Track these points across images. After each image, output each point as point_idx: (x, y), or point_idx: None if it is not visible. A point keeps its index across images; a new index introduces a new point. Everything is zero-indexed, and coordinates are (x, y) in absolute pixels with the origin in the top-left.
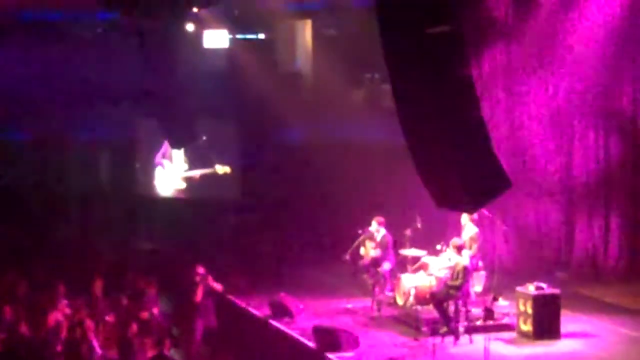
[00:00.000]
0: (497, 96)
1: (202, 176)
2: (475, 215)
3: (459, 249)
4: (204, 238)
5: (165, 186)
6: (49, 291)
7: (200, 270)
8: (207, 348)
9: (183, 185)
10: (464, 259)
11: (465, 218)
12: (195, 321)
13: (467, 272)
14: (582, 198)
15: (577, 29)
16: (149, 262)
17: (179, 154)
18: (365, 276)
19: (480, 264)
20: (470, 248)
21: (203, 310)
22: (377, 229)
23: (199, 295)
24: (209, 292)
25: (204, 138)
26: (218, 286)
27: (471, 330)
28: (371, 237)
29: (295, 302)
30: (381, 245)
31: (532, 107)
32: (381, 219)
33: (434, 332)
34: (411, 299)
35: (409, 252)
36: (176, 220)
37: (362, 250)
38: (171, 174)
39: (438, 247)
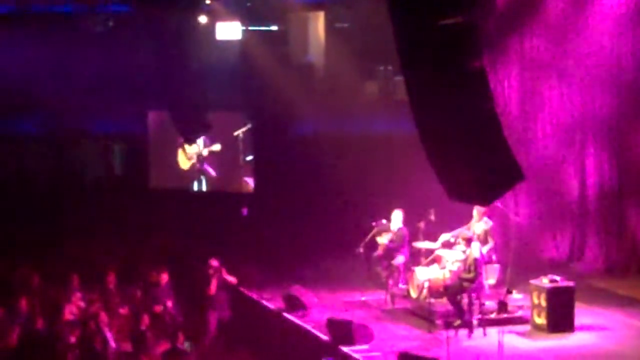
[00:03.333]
0: (510, 90)
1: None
2: (484, 209)
3: (468, 241)
4: (217, 231)
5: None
6: (62, 284)
7: (214, 263)
8: (221, 341)
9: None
10: (474, 251)
11: (478, 211)
12: (209, 314)
13: (478, 264)
14: (595, 193)
15: (589, 28)
16: (162, 255)
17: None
18: (379, 269)
19: (494, 257)
20: (486, 242)
21: (217, 303)
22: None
23: (213, 288)
24: (223, 284)
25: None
26: (232, 279)
27: (485, 323)
28: (385, 230)
29: (309, 295)
30: (397, 236)
31: (546, 103)
32: (399, 212)
33: (447, 325)
34: (425, 291)
35: (423, 245)
36: (189, 212)
37: (379, 240)
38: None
39: (452, 239)
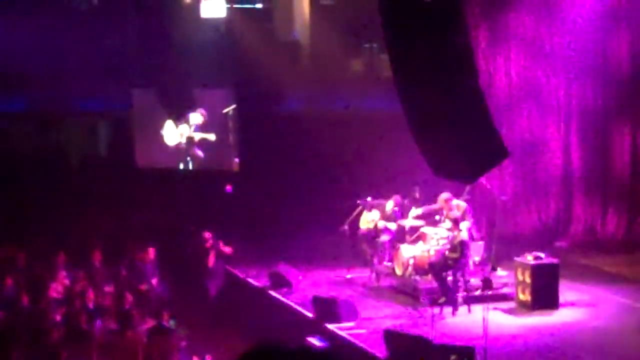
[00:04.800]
0: (495, 68)
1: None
2: (449, 196)
3: (456, 222)
4: (203, 209)
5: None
6: (48, 262)
7: (208, 235)
8: (206, 318)
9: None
10: (463, 233)
11: (443, 200)
12: (208, 284)
13: (465, 246)
14: (580, 172)
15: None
16: (148, 233)
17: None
18: (364, 246)
19: (475, 234)
20: (463, 220)
21: (215, 273)
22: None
23: (212, 260)
24: (219, 255)
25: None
26: (228, 249)
27: (470, 300)
28: (370, 209)
29: (294, 273)
30: (390, 218)
31: (532, 83)
32: (398, 197)
33: (432, 302)
34: (410, 269)
35: (408, 222)
36: (175, 190)
37: (368, 218)
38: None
39: (437, 217)
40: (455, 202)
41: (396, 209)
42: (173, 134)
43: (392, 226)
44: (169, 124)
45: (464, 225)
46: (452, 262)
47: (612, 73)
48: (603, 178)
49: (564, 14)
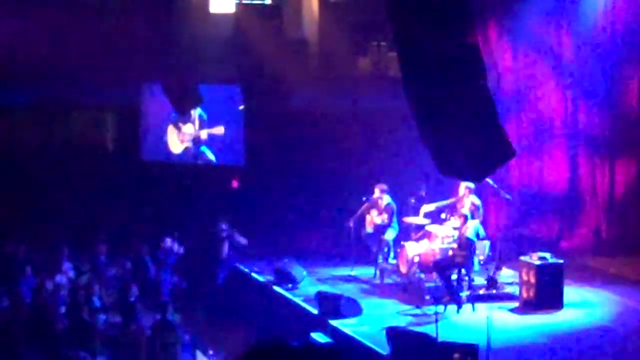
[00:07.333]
0: (503, 68)
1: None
2: (472, 186)
3: (465, 219)
4: (208, 203)
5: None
6: (52, 254)
7: (224, 226)
8: (210, 313)
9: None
10: (470, 232)
11: (465, 188)
12: (219, 273)
13: (472, 245)
14: (586, 168)
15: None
16: (154, 227)
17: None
18: (369, 243)
19: (483, 233)
20: (473, 217)
21: (226, 264)
22: (380, 196)
23: (226, 249)
24: (233, 246)
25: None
26: (244, 240)
27: (474, 299)
28: (375, 205)
29: (298, 268)
30: (386, 211)
31: (538, 89)
32: (384, 186)
33: (436, 301)
34: (414, 267)
35: (413, 220)
36: (179, 185)
37: (367, 218)
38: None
39: (442, 215)
40: (472, 196)
41: (387, 197)
42: (176, 142)
43: (384, 217)
44: (171, 131)
45: (472, 223)
46: (458, 260)
47: (620, 100)
48: (609, 180)
49: (576, 26)
